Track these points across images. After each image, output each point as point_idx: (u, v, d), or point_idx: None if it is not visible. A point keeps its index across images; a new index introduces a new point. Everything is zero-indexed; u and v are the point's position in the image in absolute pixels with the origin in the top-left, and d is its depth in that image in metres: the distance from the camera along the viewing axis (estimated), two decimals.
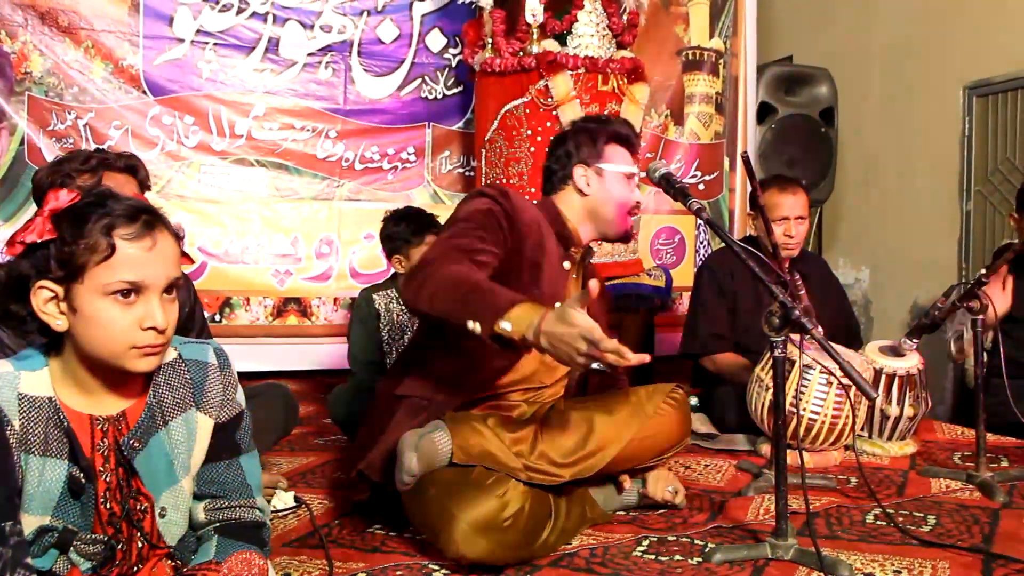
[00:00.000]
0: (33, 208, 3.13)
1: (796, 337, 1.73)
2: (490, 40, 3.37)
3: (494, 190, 1.92)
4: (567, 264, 2.03)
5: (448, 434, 1.73)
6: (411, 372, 1.93)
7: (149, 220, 1.21)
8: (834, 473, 2.35)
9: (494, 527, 1.59)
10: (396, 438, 1.75)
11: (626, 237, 2.13)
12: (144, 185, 2.04)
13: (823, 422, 2.37)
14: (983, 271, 2.23)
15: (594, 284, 1.53)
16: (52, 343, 1.24)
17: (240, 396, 1.37)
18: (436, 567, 1.68)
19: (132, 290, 1.19)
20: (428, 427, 1.75)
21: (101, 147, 3.07)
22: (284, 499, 2.04)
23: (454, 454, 1.71)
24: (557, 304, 1.52)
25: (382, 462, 1.80)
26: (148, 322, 1.19)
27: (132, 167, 2.00)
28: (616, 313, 3.42)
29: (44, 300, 1.18)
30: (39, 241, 1.16)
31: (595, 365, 1.47)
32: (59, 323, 1.19)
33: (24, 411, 1.19)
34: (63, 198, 1.18)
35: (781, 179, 2.96)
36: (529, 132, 3.25)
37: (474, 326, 1.56)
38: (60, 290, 1.18)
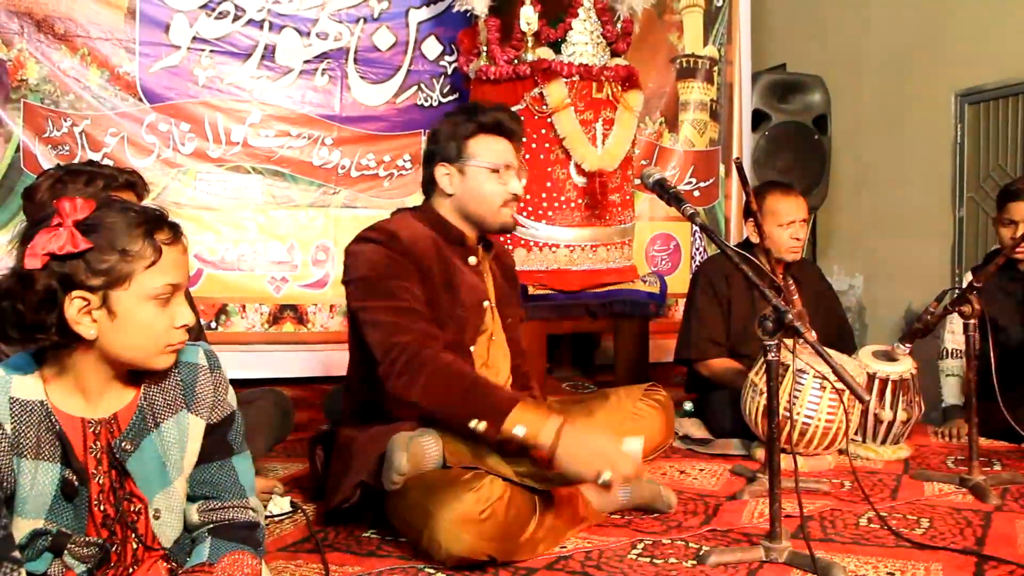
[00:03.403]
0: None
1: (790, 342, 1.74)
2: (485, 48, 3.38)
3: (376, 234, 1.91)
4: (473, 259, 2.04)
5: (437, 439, 1.76)
6: (369, 408, 1.93)
7: (174, 223, 1.24)
8: (828, 477, 2.35)
9: (472, 520, 1.61)
10: (381, 447, 1.78)
11: (505, 229, 2.08)
12: (141, 199, 2.06)
13: (817, 426, 2.39)
14: (971, 276, 2.24)
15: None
16: (43, 348, 1.23)
17: (231, 397, 1.37)
18: (432, 570, 1.68)
19: (171, 292, 1.22)
20: (418, 432, 1.78)
21: (93, 160, 3.06)
22: (280, 504, 2.05)
23: (446, 459, 1.75)
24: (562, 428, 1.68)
25: (375, 466, 1.81)
26: (181, 320, 1.24)
27: (132, 183, 2.03)
28: (611, 319, 3.43)
29: (77, 310, 1.18)
30: (75, 252, 1.15)
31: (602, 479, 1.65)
32: (91, 332, 1.19)
33: (16, 415, 1.19)
34: (80, 207, 1.17)
35: (780, 184, 3.00)
36: (524, 140, 3.26)
37: (477, 425, 1.70)
38: (94, 298, 1.18)
